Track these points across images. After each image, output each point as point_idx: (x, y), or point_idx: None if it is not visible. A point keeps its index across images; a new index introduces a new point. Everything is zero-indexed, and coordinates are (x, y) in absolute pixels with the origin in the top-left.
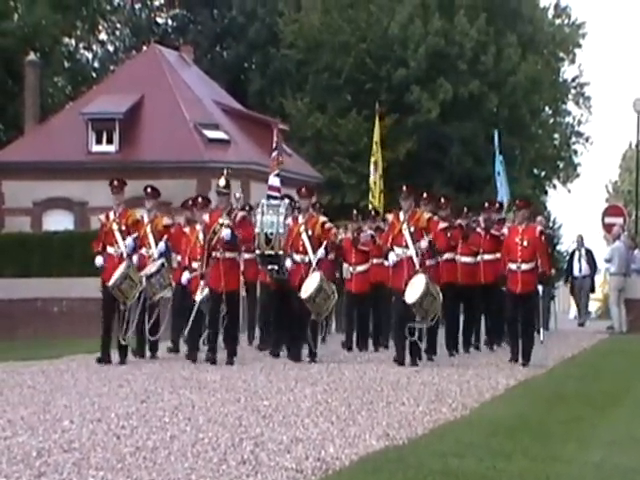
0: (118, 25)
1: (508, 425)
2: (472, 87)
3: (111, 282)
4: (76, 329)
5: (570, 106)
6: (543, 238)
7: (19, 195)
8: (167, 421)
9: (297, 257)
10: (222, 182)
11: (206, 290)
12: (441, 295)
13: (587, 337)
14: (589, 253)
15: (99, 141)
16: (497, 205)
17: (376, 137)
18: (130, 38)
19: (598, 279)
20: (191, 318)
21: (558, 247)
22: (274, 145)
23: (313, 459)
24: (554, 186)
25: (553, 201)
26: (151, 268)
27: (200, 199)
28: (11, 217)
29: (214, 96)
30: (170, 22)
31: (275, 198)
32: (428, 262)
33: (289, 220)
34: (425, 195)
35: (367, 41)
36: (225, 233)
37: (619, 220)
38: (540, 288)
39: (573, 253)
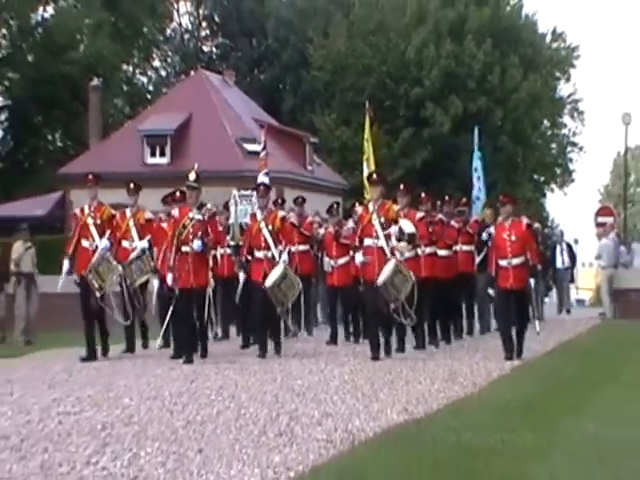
0: (169, 53)
1: (514, 402)
2: (480, 103)
3: (88, 267)
4: None
5: (566, 119)
6: (531, 232)
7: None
8: (213, 399)
9: (259, 253)
10: (192, 176)
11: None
12: (413, 278)
13: (582, 323)
14: (569, 247)
15: (153, 154)
16: (463, 200)
17: (367, 135)
18: (180, 64)
19: (584, 271)
20: (167, 318)
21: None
22: (262, 146)
23: (341, 431)
24: (552, 190)
25: (551, 203)
26: (132, 254)
27: (178, 194)
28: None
29: (252, 114)
30: (214, 50)
31: (246, 189)
32: (407, 254)
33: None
34: (402, 187)
35: (387, 63)
36: (196, 245)
37: (610, 220)
38: (532, 281)
39: (554, 247)
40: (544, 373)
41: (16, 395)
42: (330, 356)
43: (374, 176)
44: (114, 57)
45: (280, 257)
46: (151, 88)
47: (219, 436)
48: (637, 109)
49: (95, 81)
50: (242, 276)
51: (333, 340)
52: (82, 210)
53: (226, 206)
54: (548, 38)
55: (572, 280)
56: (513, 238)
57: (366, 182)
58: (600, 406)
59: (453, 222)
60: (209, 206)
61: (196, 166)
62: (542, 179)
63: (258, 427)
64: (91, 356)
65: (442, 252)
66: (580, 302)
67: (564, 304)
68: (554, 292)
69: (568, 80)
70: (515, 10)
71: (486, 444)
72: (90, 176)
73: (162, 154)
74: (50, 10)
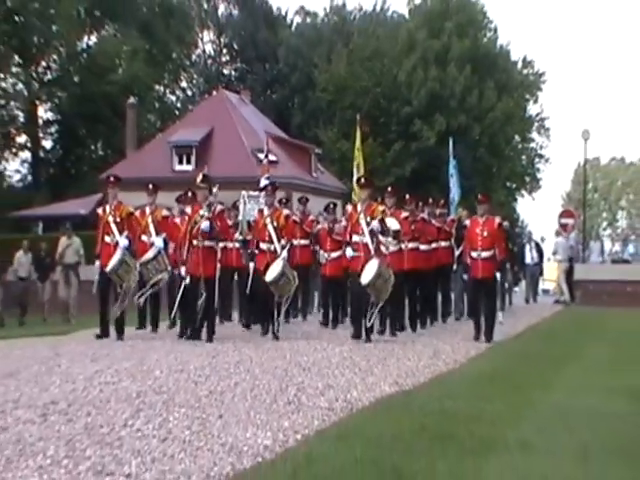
0: (194, 75)
1: (489, 376)
2: (460, 120)
3: (109, 268)
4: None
5: (534, 135)
6: (501, 230)
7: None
8: (232, 372)
9: (264, 245)
10: (200, 177)
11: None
12: (393, 277)
13: (547, 309)
14: (537, 245)
15: (180, 162)
16: (442, 202)
17: (357, 143)
18: (203, 85)
19: (549, 265)
20: (177, 300)
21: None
22: (265, 154)
23: (341, 401)
24: (522, 195)
25: (521, 207)
26: (149, 254)
27: (189, 193)
28: None
29: (265, 128)
30: (233, 73)
31: (255, 190)
32: (392, 248)
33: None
34: (389, 189)
35: (381, 85)
36: (204, 225)
37: (571, 221)
38: (498, 274)
39: (524, 245)
40: (515, 351)
41: (64, 367)
42: (332, 337)
43: (362, 180)
44: (148, 79)
45: (281, 252)
46: (179, 105)
47: (236, 404)
48: (594, 126)
49: (131, 99)
50: (252, 265)
51: (325, 321)
52: (104, 209)
53: (234, 205)
54: (519, 65)
55: (541, 273)
56: (485, 233)
57: (355, 185)
58: (563, 379)
59: (434, 221)
60: (216, 204)
61: (206, 169)
62: (514, 186)
63: (270, 396)
64: (104, 334)
65: (424, 247)
66: (545, 292)
67: (531, 295)
68: (523, 283)
69: (536, 101)
70: (491, 41)
71: (465, 411)
72: (111, 178)
73: (188, 162)
74: (94, 38)
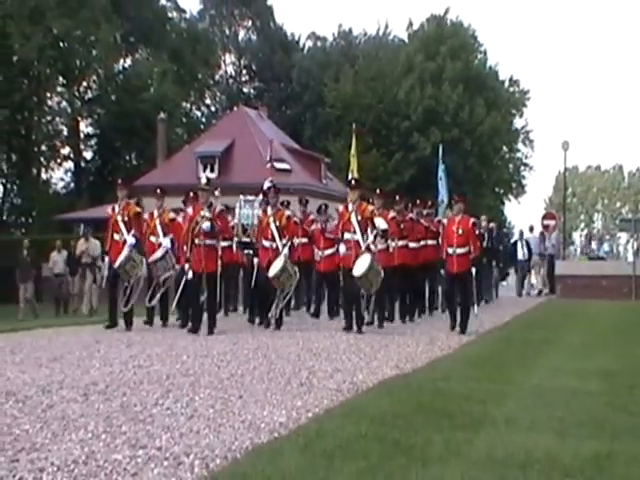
0: (217, 93)
1: (478, 360)
2: (453, 133)
3: (117, 264)
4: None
5: (520, 146)
6: (475, 229)
7: (152, 208)
8: (250, 357)
9: (266, 243)
10: (204, 180)
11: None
12: (382, 272)
13: (530, 301)
14: (527, 243)
15: (205, 170)
16: (429, 203)
17: (353, 151)
18: (225, 102)
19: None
20: (177, 293)
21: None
22: (268, 159)
23: (348, 383)
24: (509, 200)
25: (508, 210)
26: (157, 254)
27: (192, 194)
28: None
29: (281, 140)
30: (252, 91)
31: (251, 194)
32: (380, 246)
33: (259, 211)
34: (378, 191)
35: (383, 102)
36: (205, 225)
37: (552, 222)
38: (473, 270)
39: (515, 243)
40: (502, 338)
41: (102, 352)
42: (339, 326)
43: (353, 182)
44: (176, 97)
45: (282, 250)
46: (204, 120)
47: (255, 385)
48: (573, 138)
49: (162, 115)
50: (256, 261)
51: (316, 313)
52: (113, 209)
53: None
54: (506, 84)
55: (529, 269)
56: (460, 232)
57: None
58: (542, 362)
59: (422, 221)
60: (216, 204)
61: (208, 172)
62: (501, 191)
63: (284, 379)
64: (113, 324)
65: (413, 244)
66: (530, 286)
67: (524, 288)
68: (512, 278)
69: (521, 116)
70: (481, 63)
71: (458, 391)
72: (120, 181)
73: (212, 170)
74: (128, 61)
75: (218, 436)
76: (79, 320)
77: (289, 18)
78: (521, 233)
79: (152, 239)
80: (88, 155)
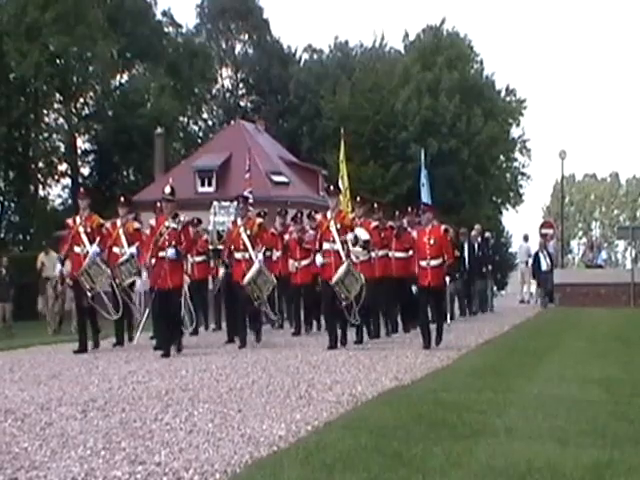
0: (215, 107)
1: (478, 369)
2: (451, 144)
3: (80, 269)
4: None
5: (517, 155)
6: (447, 236)
7: (149, 221)
8: (249, 370)
9: (238, 255)
10: (167, 189)
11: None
12: (363, 278)
13: (530, 310)
14: (549, 254)
15: (202, 184)
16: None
17: (342, 157)
18: (223, 116)
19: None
20: (146, 313)
21: (510, 250)
22: (247, 169)
23: (347, 394)
24: (507, 209)
25: (506, 219)
26: (122, 258)
27: (157, 204)
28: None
29: (278, 153)
30: (249, 104)
31: (225, 200)
32: (362, 258)
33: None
34: (358, 199)
35: (380, 114)
36: (170, 253)
37: (550, 231)
38: (447, 280)
39: (537, 254)
40: (501, 347)
41: (101, 368)
42: (320, 342)
43: (332, 188)
44: (174, 111)
45: (257, 257)
46: (201, 134)
47: (254, 399)
48: (570, 147)
49: (159, 130)
50: (222, 270)
51: (297, 331)
52: (74, 220)
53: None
54: (503, 94)
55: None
56: (432, 242)
57: (341, 196)
58: (543, 371)
59: (410, 229)
60: (182, 217)
61: (170, 181)
62: (499, 200)
63: (283, 392)
64: (82, 349)
65: (400, 254)
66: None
67: (547, 298)
68: (511, 287)
69: (518, 125)
70: (478, 73)
71: (457, 401)
72: (82, 190)
73: (209, 184)
74: (125, 77)
75: (217, 450)
76: (64, 337)
77: (285, 31)
78: (541, 245)
79: (115, 250)
80: (86, 171)
